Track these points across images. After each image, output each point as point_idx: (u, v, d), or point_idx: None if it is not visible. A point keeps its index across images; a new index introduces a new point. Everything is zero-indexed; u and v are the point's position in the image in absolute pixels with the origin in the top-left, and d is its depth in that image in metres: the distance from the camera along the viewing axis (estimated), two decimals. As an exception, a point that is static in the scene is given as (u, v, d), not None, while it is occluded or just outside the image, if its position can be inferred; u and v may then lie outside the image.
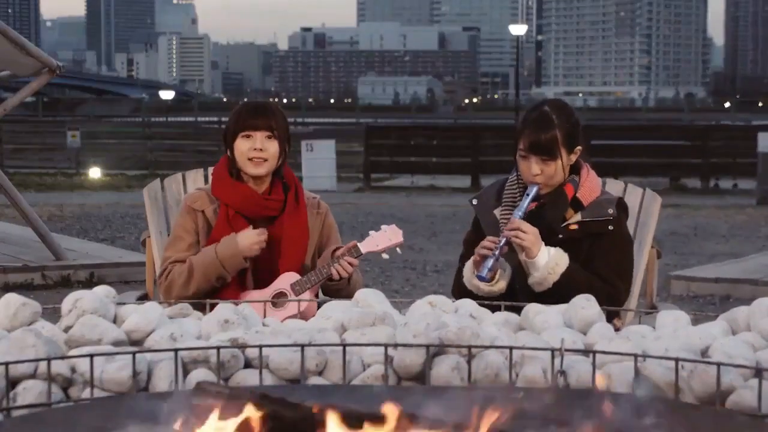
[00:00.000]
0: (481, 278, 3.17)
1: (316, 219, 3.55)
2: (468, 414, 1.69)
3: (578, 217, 3.32)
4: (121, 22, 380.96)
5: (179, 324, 2.42)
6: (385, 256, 3.45)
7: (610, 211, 3.32)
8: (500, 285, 3.24)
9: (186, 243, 3.46)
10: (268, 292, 3.35)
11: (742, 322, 2.38)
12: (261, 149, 3.41)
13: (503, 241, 3.18)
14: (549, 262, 3.19)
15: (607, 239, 3.30)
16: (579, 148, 3.37)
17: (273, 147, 3.44)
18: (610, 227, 3.31)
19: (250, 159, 3.43)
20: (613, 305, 3.23)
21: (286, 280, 3.39)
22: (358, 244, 3.41)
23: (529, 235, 3.18)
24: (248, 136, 3.43)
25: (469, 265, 3.30)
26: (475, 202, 3.49)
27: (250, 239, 3.35)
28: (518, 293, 3.24)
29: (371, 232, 3.44)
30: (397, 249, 3.46)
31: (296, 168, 17.04)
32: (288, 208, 3.48)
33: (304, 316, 2.96)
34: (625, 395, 2.04)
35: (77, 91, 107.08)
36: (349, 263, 3.36)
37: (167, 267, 3.44)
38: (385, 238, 3.42)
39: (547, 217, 3.27)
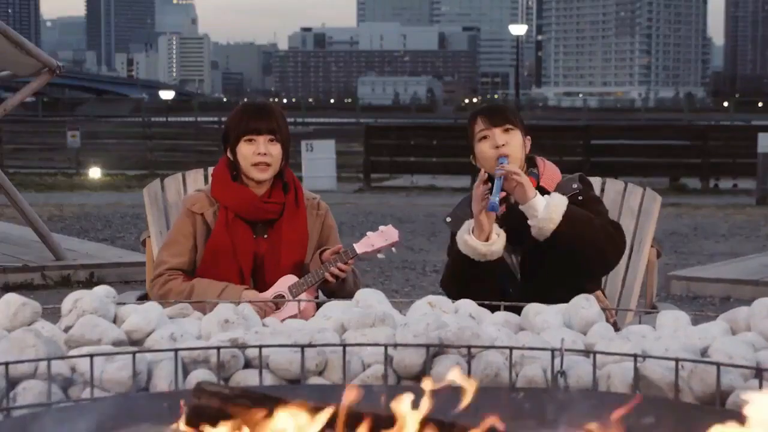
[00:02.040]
0: (492, 207, 3.14)
1: (316, 220, 3.55)
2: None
3: None
4: (121, 22, 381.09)
5: (179, 324, 2.42)
6: (380, 256, 3.44)
7: (575, 186, 3.40)
8: (497, 246, 3.22)
9: (182, 248, 3.44)
10: (267, 295, 3.34)
11: (742, 322, 2.38)
12: (265, 153, 3.40)
13: (499, 172, 3.20)
14: (549, 201, 3.21)
15: (582, 205, 3.33)
16: (528, 138, 3.43)
17: (276, 150, 3.43)
18: (580, 197, 3.36)
19: (254, 164, 3.42)
20: (619, 235, 3.33)
21: (284, 282, 3.39)
22: (354, 244, 3.40)
23: (523, 174, 3.22)
24: (251, 140, 3.42)
25: (464, 226, 3.29)
26: (449, 220, 3.52)
27: (255, 299, 3.30)
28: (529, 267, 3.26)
29: (368, 233, 3.43)
30: (393, 249, 3.44)
31: (296, 168, 17.03)
32: (287, 211, 3.47)
33: (302, 317, 2.98)
34: (624, 395, 2.04)
35: (77, 91, 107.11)
36: (344, 265, 3.34)
37: (163, 273, 3.41)
38: (381, 238, 3.41)
39: (519, 215, 3.27)
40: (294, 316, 3.11)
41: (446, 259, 3.57)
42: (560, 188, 3.38)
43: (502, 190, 3.19)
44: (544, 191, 3.37)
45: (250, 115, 3.45)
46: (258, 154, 3.40)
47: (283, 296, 3.35)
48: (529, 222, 3.22)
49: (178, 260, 3.42)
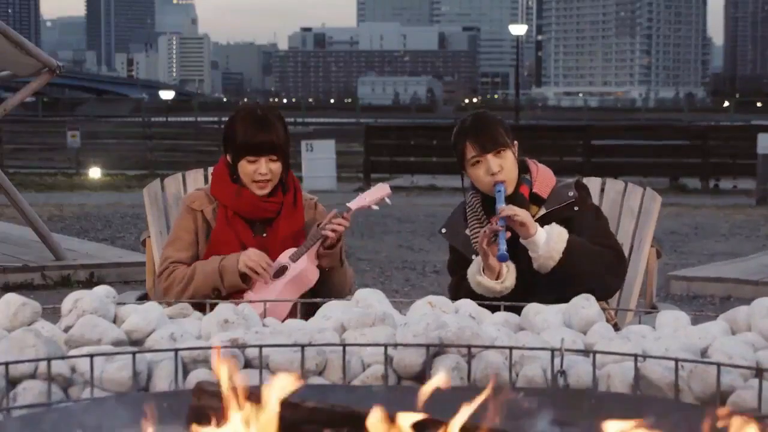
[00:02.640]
0: (502, 258, 3.13)
1: (313, 220, 3.56)
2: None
3: (542, 210, 3.34)
4: (121, 22, 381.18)
5: (179, 324, 2.42)
6: (375, 207, 3.46)
7: (570, 194, 3.35)
8: (509, 281, 3.22)
9: (185, 242, 3.47)
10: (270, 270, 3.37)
11: (742, 322, 2.38)
12: (266, 172, 3.41)
13: (501, 222, 3.17)
14: (549, 236, 3.19)
15: (580, 219, 3.31)
16: (516, 142, 3.40)
17: (277, 166, 3.43)
18: (576, 208, 3.33)
19: (255, 181, 3.43)
20: (620, 264, 3.32)
21: (285, 254, 3.41)
22: (348, 204, 3.44)
23: (523, 212, 3.20)
24: (252, 160, 3.42)
25: (474, 267, 3.28)
26: (444, 231, 3.50)
27: (249, 256, 3.32)
28: (528, 291, 3.23)
29: (359, 193, 3.48)
30: (387, 200, 3.45)
31: (296, 168, 17.01)
32: (285, 210, 3.49)
33: (305, 280, 3.20)
34: (624, 395, 2.04)
35: (77, 91, 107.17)
36: (340, 222, 3.35)
37: (167, 266, 3.43)
38: (372, 193, 3.46)
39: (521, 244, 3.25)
40: (298, 281, 3.25)
41: (446, 261, 3.56)
42: (555, 195, 3.35)
43: (507, 229, 3.17)
44: (538, 198, 3.35)
45: (252, 132, 3.41)
46: (259, 173, 3.41)
47: (286, 267, 3.36)
48: (530, 254, 3.21)
49: (182, 254, 3.44)
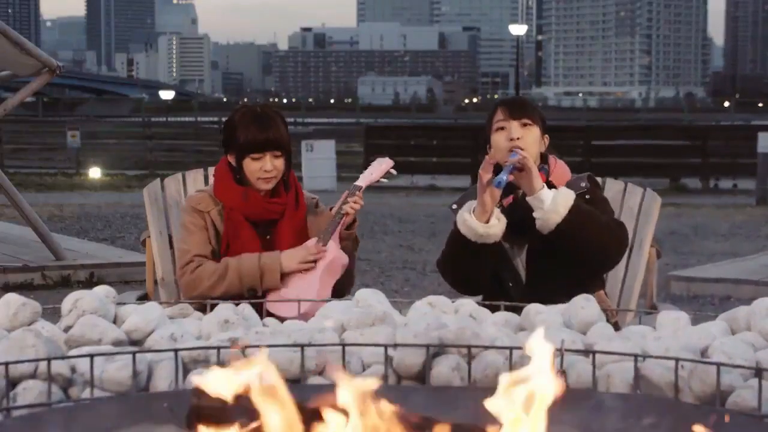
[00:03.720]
0: (499, 183, 3.14)
1: (315, 219, 3.56)
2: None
3: None
4: (121, 22, 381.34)
5: (179, 324, 2.42)
6: (384, 180, 3.52)
7: (583, 184, 3.40)
8: (495, 229, 3.23)
9: (203, 238, 3.43)
10: (303, 253, 3.39)
11: (742, 322, 2.38)
12: (271, 169, 3.42)
13: (509, 169, 3.19)
14: (556, 193, 3.21)
15: (589, 204, 3.33)
16: (547, 136, 3.45)
17: (280, 163, 3.44)
18: (587, 197, 3.36)
19: (260, 178, 3.44)
20: (623, 234, 3.36)
21: (310, 242, 3.43)
22: (356, 183, 3.47)
23: (532, 162, 3.23)
24: (256, 158, 3.42)
25: (465, 206, 3.29)
26: (455, 207, 3.50)
27: (292, 256, 3.36)
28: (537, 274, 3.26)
29: (364, 170, 3.52)
30: (392, 171, 3.51)
31: (296, 168, 16.95)
32: (288, 211, 3.49)
33: (340, 263, 3.31)
34: (624, 395, 2.04)
35: (77, 91, 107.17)
36: (356, 201, 3.40)
37: (191, 259, 3.39)
38: (377, 168, 3.50)
39: (525, 209, 3.27)
40: (333, 264, 3.33)
41: None
42: (569, 186, 3.37)
43: (510, 173, 3.19)
44: (552, 188, 3.37)
45: (254, 130, 3.42)
46: (264, 170, 3.41)
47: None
48: (534, 214, 3.22)
49: (203, 249, 3.42)
